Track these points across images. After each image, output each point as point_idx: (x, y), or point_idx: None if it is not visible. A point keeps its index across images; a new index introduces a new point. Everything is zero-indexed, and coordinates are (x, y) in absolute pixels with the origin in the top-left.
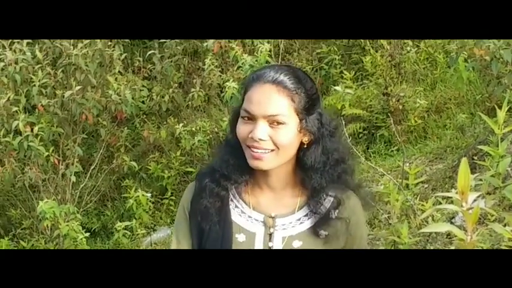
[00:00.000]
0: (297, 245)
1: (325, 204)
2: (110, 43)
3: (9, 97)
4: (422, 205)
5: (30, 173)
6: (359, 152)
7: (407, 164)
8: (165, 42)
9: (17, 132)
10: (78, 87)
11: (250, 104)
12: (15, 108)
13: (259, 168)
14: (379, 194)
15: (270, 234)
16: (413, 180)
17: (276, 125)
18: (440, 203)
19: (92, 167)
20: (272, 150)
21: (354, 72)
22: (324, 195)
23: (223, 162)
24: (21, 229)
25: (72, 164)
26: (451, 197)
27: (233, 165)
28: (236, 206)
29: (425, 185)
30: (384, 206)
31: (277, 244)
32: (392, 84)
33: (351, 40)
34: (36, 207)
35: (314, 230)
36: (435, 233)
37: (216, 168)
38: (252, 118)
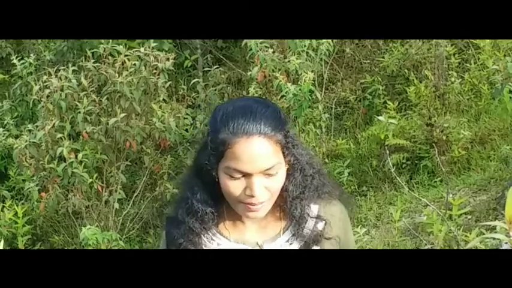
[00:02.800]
0: None
1: (309, 225)
2: (154, 71)
3: (54, 124)
4: (466, 236)
5: (74, 200)
6: (402, 182)
7: (451, 195)
8: (209, 70)
9: (62, 158)
10: (123, 115)
11: (241, 163)
12: (60, 135)
13: (255, 218)
14: (422, 224)
15: None
16: (457, 211)
17: (271, 174)
18: (484, 234)
19: (135, 194)
20: (268, 200)
21: (397, 102)
22: (307, 217)
23: (193, 202)
24: None
25: (116, 191)
26: (495, 228)
27: (205, 202)
28: (218, 244)
29: (469, 216)
30: (427, 237)
31: None
32: (436, 114)
33: (394, 70)
34: (79, 233)
35: (306, 246)
36: None
37: (184, 216)
38: (244, 176)
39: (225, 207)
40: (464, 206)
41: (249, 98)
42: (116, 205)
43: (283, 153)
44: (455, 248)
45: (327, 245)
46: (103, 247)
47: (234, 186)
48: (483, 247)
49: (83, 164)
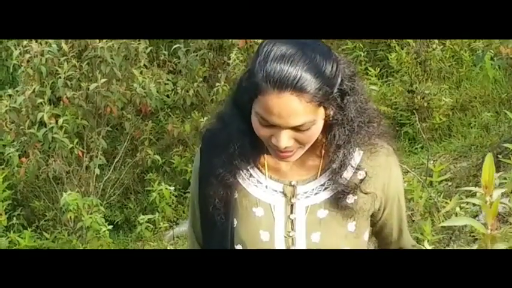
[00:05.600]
0: (322, 214)
1: (348, 173)
2: None
3: (34, 89)
4: (446, 203)
5: (54, 165)
6: None
7: (432, 162)
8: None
9: (42, 124)
10: (103, 80)
11: (270, 115)
12: (40, 100)
13: (287, 161)
14: None
15: (292, 205)
16: (437, 178)
17: (301, 130)
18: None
19: (116, 160)
20: (299, 147)
21: (379, 69)
22: (348, 165)
23: (235, 139)
24: (45, 221)
25: (96, 157)
26: (475, 195)
27: (243, 132)
28: (251, 175)
29: (449, 183)
30: (408, 203)
31: (300, 215)
32: (417, 81)
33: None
34: (60, 199)
35: (340, 198)
36: (458, 230)
37: (222, 145)
38: (273, 125)
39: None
40: (444, 173)
41: (299, 43)
42: (97, 171)
43: (324, 107)
44: (436, 214)
45: (364, 198)
46: (83, 213)
47: (262, 132)
48: (463, 213)
49: (64, 129)
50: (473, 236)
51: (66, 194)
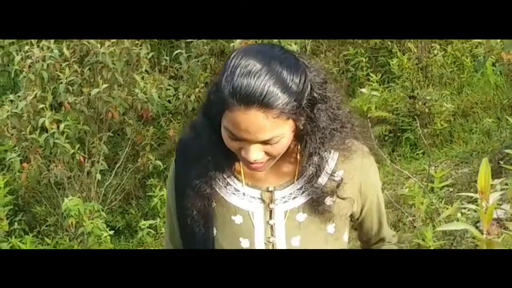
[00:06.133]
0: (301, 218)
1: (325, 177)
2: (137, 42)
3: (36, 94)
4: (447, 208)
5: (56, 170)
6: (384, 155)
7: (433, 168)
8: (192, 41)
9: (43, 129)
10: (105, 86)
11: (237, 130)
12: (41, 106)
13: (258, 172)
14: (404, 196)
15: (270, 211)
16: (438, 184)
17: (271, 143)
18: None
19: (117, 165)
20: (269, 159)
21: (380, 74)
22: (323, 169)
23: (206, 144)
24: (46, 226)
25: (98, 162)
26: (476, 201)
27: (216, 144)
28: (228, 184)
29: (451, 189)
30: (409, 209)
31: (279, 221)
32: (418, 87)
33: (377, 43)
34: (61, 204)
35: (318, 201)
36: (459, 236)
37: (198, 156)
38: (242, 139)
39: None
40: (446, 179)
41: (266, 52)
42: (98, 176)
43: (292, 119)
44: (436, 220)
45: (341, 202)
46: (85, 218)
47: (232, 145)
48: (464, 219)
49: (65, 134)
50: (475, 242)
51: (67, 199)
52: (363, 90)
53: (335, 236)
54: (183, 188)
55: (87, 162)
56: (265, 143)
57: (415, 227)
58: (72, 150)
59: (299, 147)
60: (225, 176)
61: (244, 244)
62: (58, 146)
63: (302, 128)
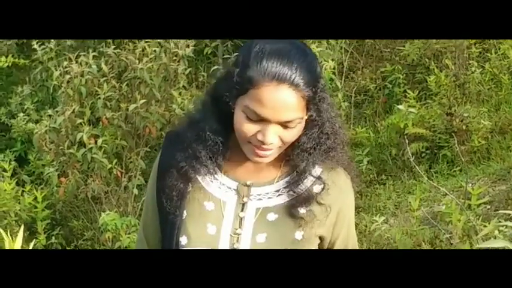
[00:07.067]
0: (272, 217)
1: (306, 183)
2: (175, 58)
3: (74, 109)
4: (484, 226)
5: (93, 185)
6: (421, 172)
7: (470, 185)
8: (229, 57)
9: (81, 144)
10: (143, 101)
11: (263, 108)
12: (79, 121)
13: (259, 162)
14: (441, 213)
15: (243, 204)
16: (475, 201)
17: (289, 126)
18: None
19: None
20: (279, 147)
21: (417, 91)
22: (308, 174)
23: (206, 129)
24: (83, 240)
25: (135, 177)
26: None
27: (217, 132)
28: (209, 172)
29: (488, 206)
30: (446, 226)
31: (249, 215)
32: (456, 104)
33: (415, 60)
34: (98, 219)
35: (293, 206)
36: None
37: (192, 140)
38: (261, 120)
39: (231, 141)
40: (483, 196)
41: (289, 42)
42: (135, 191)
43: (307, 107)
44: (474, 237)
45: (317, 211)
46: (122, 233)
47: (248, 127)
48: (501, 237)
49: (103, 149)
50: None
51: (104, 213)
52: (400, 107)
53: (301, 244)
54: (167, 170)
55: (124, 177)
56: (284, 125)
57: (451, 244)
58: (110, 165)
59: (289, 150)
60: (210, 165)
61: (211, 231)
62: (95, 160)
63: (312, 119)
